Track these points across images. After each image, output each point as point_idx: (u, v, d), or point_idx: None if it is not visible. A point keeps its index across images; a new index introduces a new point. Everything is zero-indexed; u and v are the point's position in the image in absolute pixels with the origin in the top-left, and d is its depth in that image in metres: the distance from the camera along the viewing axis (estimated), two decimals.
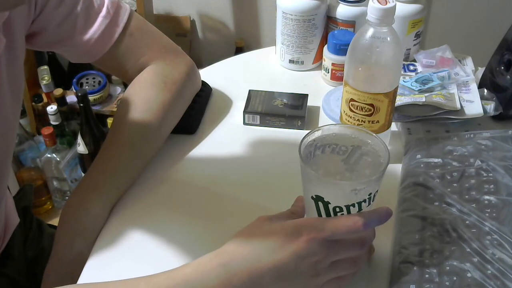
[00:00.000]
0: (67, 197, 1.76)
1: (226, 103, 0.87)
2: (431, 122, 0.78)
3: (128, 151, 0.69)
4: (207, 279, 0.49)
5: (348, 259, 0.53)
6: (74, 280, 0.61)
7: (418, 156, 0.71)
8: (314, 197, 0.53)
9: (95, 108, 1.70)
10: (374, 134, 0.56)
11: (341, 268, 0.53)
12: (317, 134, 0.56)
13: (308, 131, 0.56)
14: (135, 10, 1.57)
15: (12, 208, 0.79)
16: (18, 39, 0.64)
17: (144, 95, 0.73)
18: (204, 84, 0.88)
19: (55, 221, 0.69)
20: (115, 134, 0.70)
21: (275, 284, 0.50)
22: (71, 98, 1.74)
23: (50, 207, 1.77)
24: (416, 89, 0.81)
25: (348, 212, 0.53)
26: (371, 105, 0.68)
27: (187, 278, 0.49)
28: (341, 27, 0.90)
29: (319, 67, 0.93)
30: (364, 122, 0.70)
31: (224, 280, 0.49)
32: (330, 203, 0.53)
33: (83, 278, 0.61)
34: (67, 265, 0.63)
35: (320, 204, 0.53)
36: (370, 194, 0.53)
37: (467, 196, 0.64)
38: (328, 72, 0.89)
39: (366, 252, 0.57)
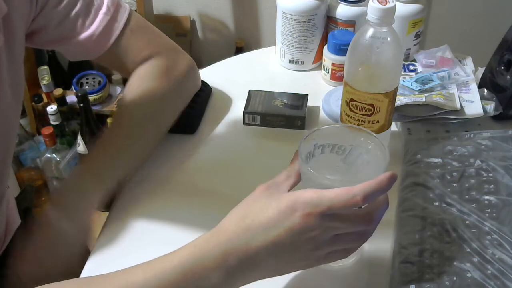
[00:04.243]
0: None
1: (226, 103, 0.87)
2: (431, 122, 0.78)
3: (127, 140, 0.70)
4: (203, 259, 0.49)
5: (353, 233, 0.51)
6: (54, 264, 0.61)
7: (418, 156, 0.71)
8: None
9: (95, 108, 1.70)
10: (373, 134, 0.56)
11: (344, 242, 0.51)
12: (317, 134, 0.56)
13: (308, 131, 0.56)
14: (135, 10, 1.57)
15: (13, 209, 0.79)
16: (18, 37, 0.64)
17: (144, 86, 0.74)
18: (204, 84, 0.88)
19: None
20: (115, 123, 0.72)
21: (272, 260, 0.50)
22: (71, 98, 1.74)
23: None
24: (416, 89, 0.81)
25: None
26: (371, 105, 0.68)
27: (183, 260, 0.49)
28: (341, 27, 0.90)
29: (319, 67, 0.93)
30: (364, 122, 0.70)
31: (219, 260, 0.49)
32: None
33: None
34: (49, 244, 0.63)
35: None
36: None
37: (467, 196, 0.64)
38: (328, 72, 0.89)
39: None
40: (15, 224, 0.78)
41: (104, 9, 0.71)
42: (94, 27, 0.71)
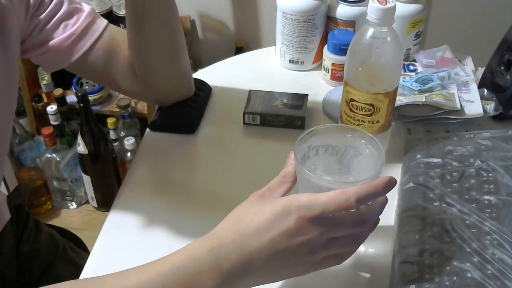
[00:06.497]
0: (67, 197, 1.76)
1: (226, 103, 0.87)
2: (431, 122, 0.78)
3: None
4: (197, 264, 0.49)
5: (347, 236, 0.51)
6: None
7: (418, 156, 0.71)
8: None
9: (95, 108, 1.70)
10: (368, 134, 0.56)
11: (339, 246, 0.51)
12: (311, 135, 0.56)
13: (303, 132, 0.56)
14: None
15: (3, 204, 0.79)
16: (15, 47, 0.66)
17: None
18: (204, 84, 0.88)
19: (55, 221, 0.69)
20: None
21: (267, 264, 0.49)
22: (71, 98, 1.74)
23: (50, 207, 1.77)
24: (416, 89, 0.81)
25: None
26: (371, 105, 0.68)
27: (177, 264, 0.49)
28: (341, 27, 0.90)
29: (319, 67, 0.93)
30: (364, 122, 0.70)
31: (214, 265, 0.49)
32: None
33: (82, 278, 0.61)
34: None
35: None
36: None
37: (467, 196, 0.64)
38: (328, 72, 0.89)
39: (370, 228, 0.54)
40: (4, 219, 0.78)
41: (83, 16, 0.72)
42: (72, 30, 0.71)
